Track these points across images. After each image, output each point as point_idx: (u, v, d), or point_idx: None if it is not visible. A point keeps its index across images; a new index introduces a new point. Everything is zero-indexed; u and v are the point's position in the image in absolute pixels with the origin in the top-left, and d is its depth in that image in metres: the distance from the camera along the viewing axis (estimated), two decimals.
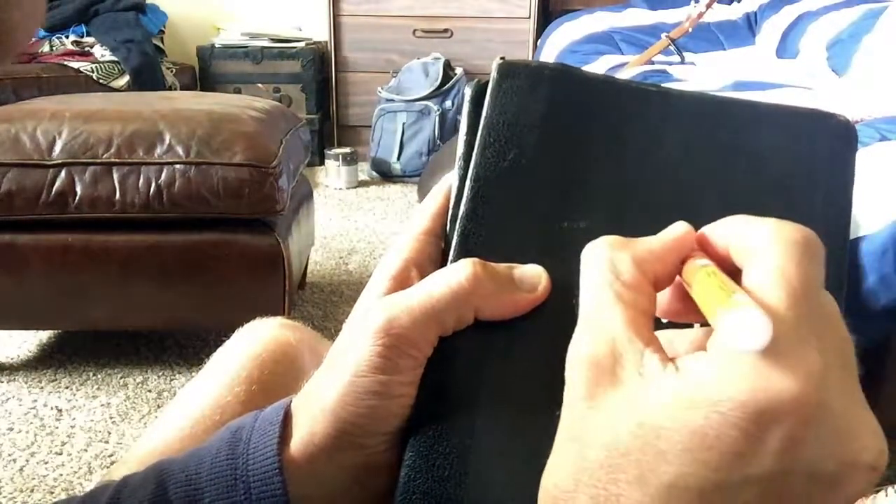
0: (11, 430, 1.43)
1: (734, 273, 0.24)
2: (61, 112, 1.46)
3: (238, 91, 3.15)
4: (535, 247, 0.31)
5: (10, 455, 1.35)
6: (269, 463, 0.30)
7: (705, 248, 0.27)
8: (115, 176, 1.40)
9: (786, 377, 0.21)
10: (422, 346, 0.29)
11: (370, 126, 3.22)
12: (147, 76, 2.89)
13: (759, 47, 2.56)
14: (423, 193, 2.77)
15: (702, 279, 0.25)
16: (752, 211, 0.31)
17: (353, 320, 0.32)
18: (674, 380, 0.22)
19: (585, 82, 0.32)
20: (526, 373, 0.30)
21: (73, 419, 1.47)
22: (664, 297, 0.27)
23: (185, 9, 3.45)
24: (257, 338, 0.62)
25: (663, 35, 2.43)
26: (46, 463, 1.34)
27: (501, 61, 0.33)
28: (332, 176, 3.08)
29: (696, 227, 0.31)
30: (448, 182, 0.34)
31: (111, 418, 1.47)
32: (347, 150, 3.10)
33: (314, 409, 0.30)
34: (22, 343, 1.75)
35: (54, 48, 2.95)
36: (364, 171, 3.24)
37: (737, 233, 0.25)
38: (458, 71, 3.20)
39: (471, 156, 0.32)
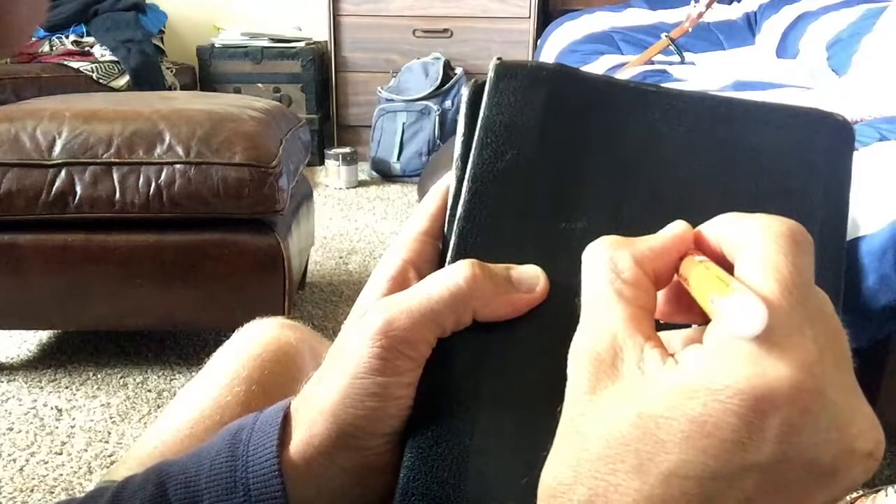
0: (11, 430, 1.43)
1: (729, 269, 0.25)
2: (61, 112, 1.46)
3: (238, 91, 3.15)
4: (532, 247, 0.31)
5: (10, 455, 1.36)
6: (269, 465, 0.30)
7: (701, 247, 0.27)
8: (115, 176, 1.40)
9: (782, 365, 0.21)
10: (420, 347, 0.29)
11: (370, 126, 3.22)
12: (147, 76, 2.89)
13: (758, 47, 2.56)
14: (422, 193, 2.77)
15: (698, 272, 0.25)
16: (751, 210, 0.31)
17: (351, 322, 0.32)
18: (672, 371, 0.23)
19: (583, 82, 0.32)
20: (525, 373, 0.30)
21: (73, 419, 1.47)
22: (659, 298, 0.28)
23: (185, 9, 3.46)
24: (257, 338, 0.62)
25: (663, 35, 2.43)
26: (46, 463, 1.34)
27: (499, 62, 0.33)
28: (332, 176, 3.08)
29: (695, 226, 0.31)
30: (446, 183, 0.34)
31: (111, 418, 1.47)
32: (347, 150, 3.10)
33: (313, 411, 0.30)
34: (22, 343, 1.76)
35: (54, 48, 2.95)
36: (364, 170, 3.24)
37: (727, 229, 0.26)
38: (458, 71, 3.20)
39: (468, 156, 0.32)
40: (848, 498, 1.00)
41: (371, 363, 0.29)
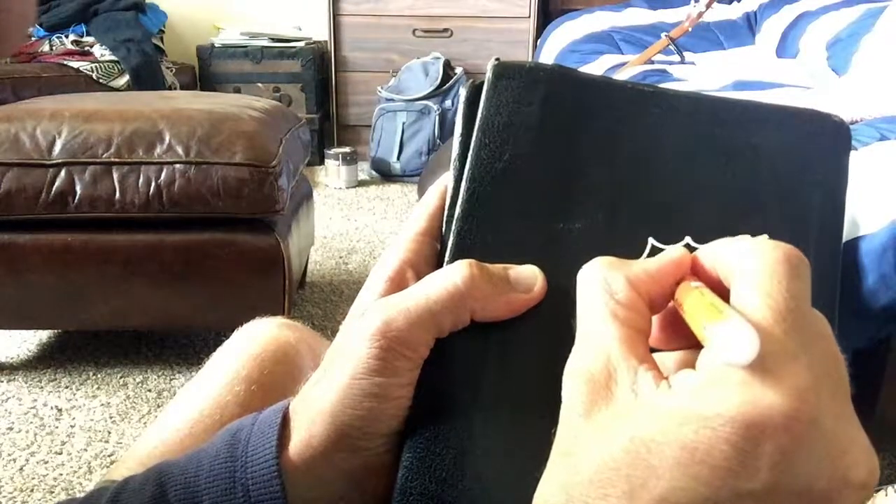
0: (11, 429, 1.43)
1: (726, 295, 0.24)
2: (61, 112, 1.46)
3: (238, 91, 3.15)
4: (530, 247, 0.31)
5: (10, 455, 1.36)
6: (268, 466, 0.30)
7: (698, 272, 0.27)
8: (115, 176, 1.40)
9: (775, 392, 0.21)
10: (418, 348, 0.29)
11: (370, 126, 3.22)
12: (147, 76, 2.89)
13: (758, 47, 2.56)
14: (422, 193, 2.76)
15: (693, 298, 0.25)
16: (748, 210, 0.31)
17: (349, 322, 0.32)
18: (665, 396, 0.23)
19: (581, 83, 0.33)
20: (522, 373, 0.30)
21: (73, 419, 1.47)
22: (654, 325, 0.27)
23: (185, 8, 3.46)
24: (257, 337, 0.62)
25: (663, 34, 2.43)
26: (46, 462, 1.34)
27: (497, 62, 0.33)
28: (332, 175, 3.08)
29: (693, 228, 0.31)
30: (444, 183, 0.34)
31: (111, 418, 1.47)
32: (347, 149, 3.10)
33: (312, 412, 0.30)
34: (22, 343, 1.76)
35: (54, 48, 2.96)
36: (364, 170, 3.24)
37: (722, 254, 0.26)
38: (458, 71, 3.20)
39: (466, 156, 0.32)
40: None
41: (369, 364, 0.29)
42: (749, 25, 2.70)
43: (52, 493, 1.26)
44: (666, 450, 0.21)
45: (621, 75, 2.13)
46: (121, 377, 1.62)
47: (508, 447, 0.29)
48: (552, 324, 0.30)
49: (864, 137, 1.29)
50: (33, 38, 3.01)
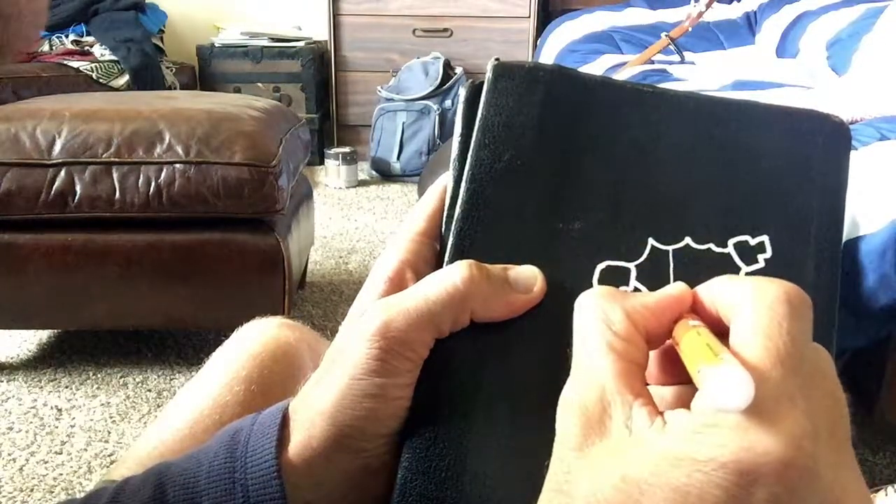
0: (11, 429, 1.43)
1: (727, 335, 0.24)
2: (61, 112, 1.46)
3: (238, 90, 3.15)
4: (530, 248, 0.31)
5: (10, 455, 1.36)
6: (268, 466, 0.30)
7: (698, 310, 0.27)
8: (115, 175, 1.40)
9: (769, 438, 0.21)
10: (418, 348, 0.29)
11: (370, 125, 3.22)
12: (147, 76, 2.89)
13: (758, 47, 2.56)
14: (422, 193, 2.76)
15: (690, 338, 0.24)
16: (748, 211, 0.31)
17: (349, 322, 0.32)
18: (659, 435, 0.22)
19: (581, 83, 0.32)
20: (522, 374, 0.30)
21: (73, 419, 1.47)
22: (651, 361, 0.27)
23: (185, 8, 3.45)
24: (257, 337, 0.62)
25: (663, 34, 2.43)
26: (46, 462, 1.34)
27: (496, 62, 0.33)
28: (331, 175, 3.08)
29: (693, 228, 0.31)
30: (443, 183, 0.33)
31: (111, 418, 1.47)
32: (347, 149, 3.10)
33: (311, 413, 0.30)
34: (22, 343, 1.76)
35: (54, 48, 2.96)
36: (364, 170, 3.24)
37: (721, 292, 0.25)
38: (458, 70, 3.20)
39: (466, 157, 0.32)
40: None
41: (369, 364, 0.29)
42: (749, 25, 2.70)
43: (52, 493, 1.26)
44: (657, 491, 0.21)
45: (621, 75, 2.13)
46: (121, 377, 1.62)
47: (508, 448, 0.29)
48: (552, 324, 0.30)
49: (864, 137, 1.29)
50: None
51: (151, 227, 1.45)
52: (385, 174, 3.19)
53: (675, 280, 0.29)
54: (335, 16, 3.21)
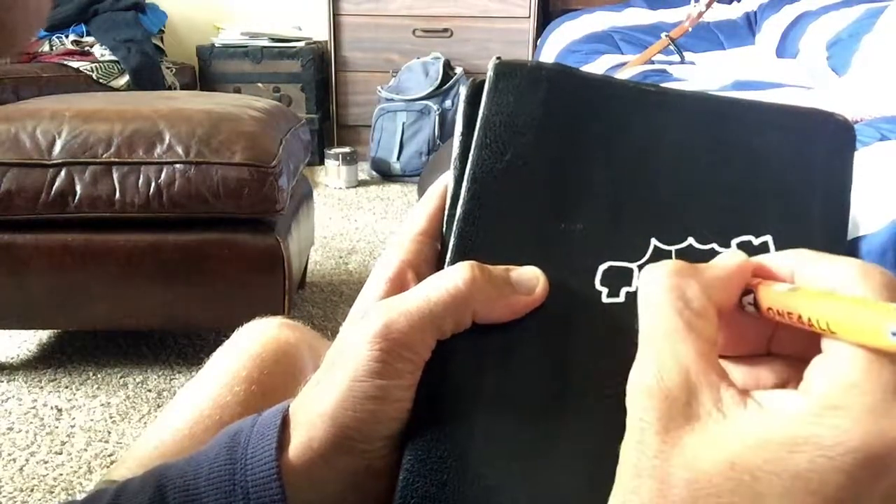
0: (11, 429, 1.43)
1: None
2: (61, 112, 1.46)
3: (238, 91, 3.15)
4: (531, 248, 0.31)
5: (10, 455, 1.35)
6: (268, 468, 0.30)
7: (764, 277, 0.26)
8: (115, 176, 1.40)
9: None
10: (419, 350, 0.29)
11: (370, 126, 3.22)
12: (147, 76, 2.89)
13: (759, 47, 2.56)
14: (422, 193, 2.76)
15: (818, 300, 0.23)
16: (750, 211, 0.31)
17: (350, 323, 0.32)
18: (762, 418, 0.22)
19: (582, 82, 0.32)
20: (524, 376, 0.30)
21: (73, 419, 1.47)
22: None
23: (185, 8, 3.45)
24: (257, 337, 0.62)
25: (663, 34, 2.43)
26: (46, 462, 1.34)
27: (498, 61, 0.33)
28: (331, 175, 3.08)
29: (695, 228, 0.31)
30: (444, 183, 0.33)
31: (111, 418, 1.47)
32: (347, 149, 3.10)
33: (312, 414, 0.30)
34: (22, 343, 1.75)
35: (54, 48, 2.95)
36: (364, 170, 3.24)
37: (812, 273, 0.24)
38: (458, 70, 3.20)
39: (467, 156, 0.32)
40: None
41: (370, 366, 0.29)
42: (749, 25, 2.70)
43: (52, 493, 1.26)
44: (775, 479, 0.20)
45: (621, 75, 2.13)
46: (121, 377, 1.62)
47: (510, 450, 0.29)
48: (553, 325, 0.30)
49: (865, 137, 1.29)
50: (33, 39, 3.00)
51: (151, 227, 1.45)
52: (385, 174, 3.19)
53: None
54: (335, 16, 3.21)
